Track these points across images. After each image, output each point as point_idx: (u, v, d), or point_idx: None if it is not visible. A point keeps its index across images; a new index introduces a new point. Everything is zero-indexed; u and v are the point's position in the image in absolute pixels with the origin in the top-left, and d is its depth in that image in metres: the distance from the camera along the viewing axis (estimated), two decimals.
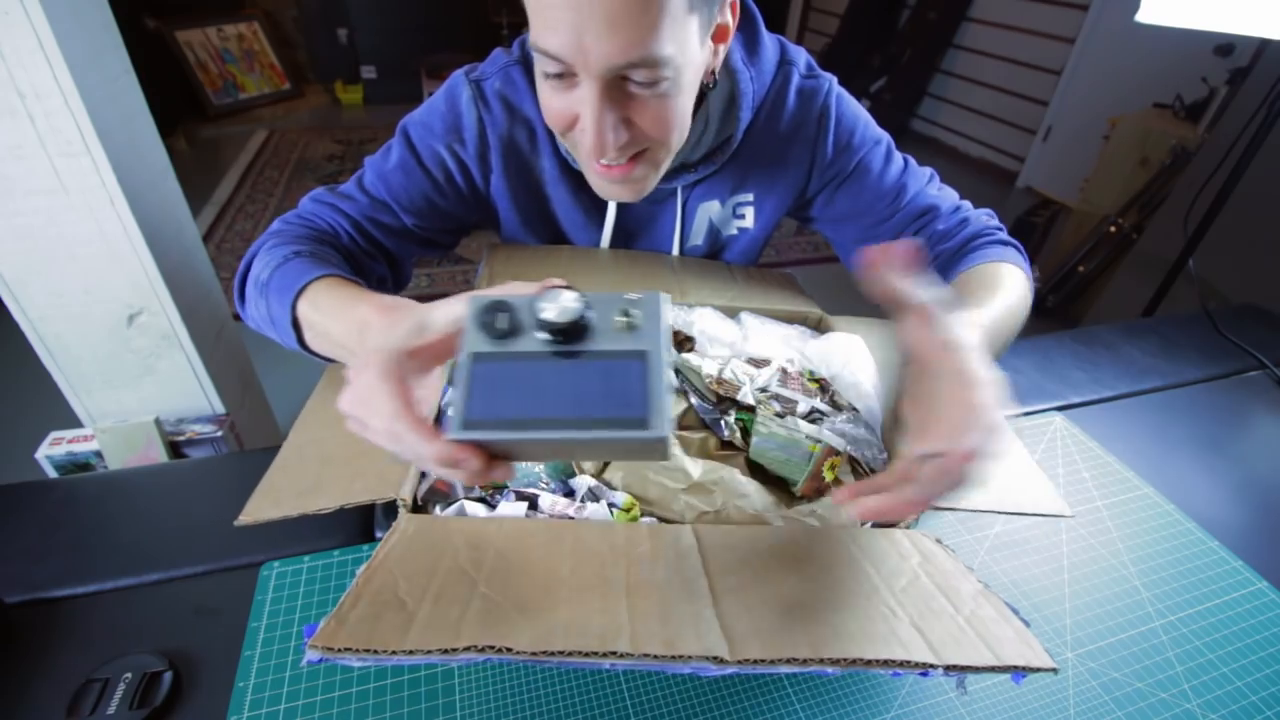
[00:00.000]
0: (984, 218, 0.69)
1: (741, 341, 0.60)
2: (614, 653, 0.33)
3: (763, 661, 0.33)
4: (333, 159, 3.37)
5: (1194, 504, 0.64)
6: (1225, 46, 2.41)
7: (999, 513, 0.47)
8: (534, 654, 0.32)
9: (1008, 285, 0.58)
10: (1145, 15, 1.18)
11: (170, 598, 0.50)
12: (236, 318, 1.24)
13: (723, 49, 0.55)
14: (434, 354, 0.37)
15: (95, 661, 0.44)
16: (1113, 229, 2.36)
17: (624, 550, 0.40)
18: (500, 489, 0.48)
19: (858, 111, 0.68)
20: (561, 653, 0.33)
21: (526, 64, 0.64)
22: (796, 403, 0.53)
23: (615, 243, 0.73)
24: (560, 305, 0.33)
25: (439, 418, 0.52)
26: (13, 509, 0.56)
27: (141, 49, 2.26)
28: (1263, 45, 2.06)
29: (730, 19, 0.54)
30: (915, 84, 3.97)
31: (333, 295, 0.49)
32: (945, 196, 0.69)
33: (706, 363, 0.54)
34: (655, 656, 0.33)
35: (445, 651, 0.32)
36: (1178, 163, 2.22)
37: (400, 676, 0.44)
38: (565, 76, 0.48)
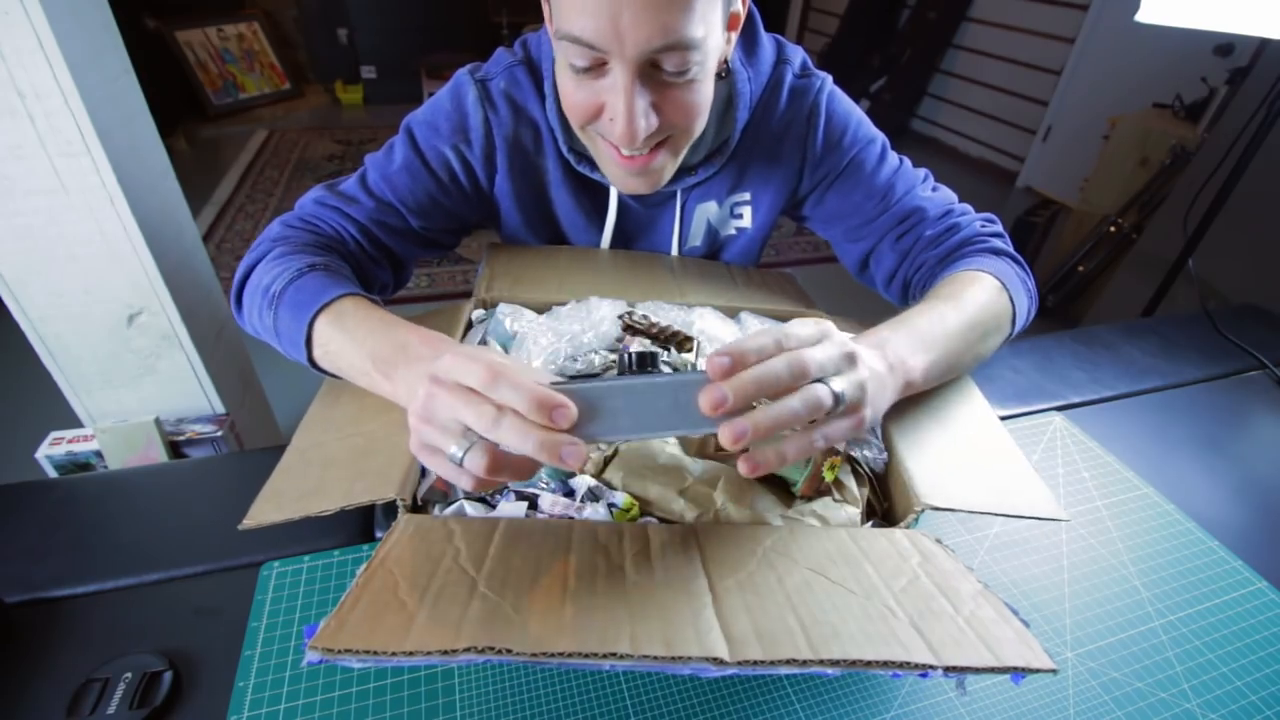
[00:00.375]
0: (979, 224, 0.66)
1: None
2: (614, 654, 0.33)
3: (763, 663, 0.33)
4: (333, 159, 3.37)
5: (1194, 504, 0.64)
6: (1225, 46, 2.41)
7: (995, 514, 0.47)
8: (534, 655, 0.32)
9: (967, 295, 0.56)
10: (1145, 15, 1.18)
11: (170, 598, 0.50)
12: None
13: (734, 37, 0.56)
14: None
15: (95, 661, 0.44)
16: (1113, 229, 2.36)
17: (624, 550, 0.40)
18: (500, 489, 0.48)
19: (850, 110, 0.68)
20: (561, 654, 0.33)
21: (530, 64, 0.64)
22: None
23: (615, 244, 0.73)
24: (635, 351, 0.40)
25: None
26: (13, 509, 0.56)
27: (141, 49, 2.26)
28: (1262, 45, 2.06)
29: (741, 7, 0.54)
30: (915, 84, 3.97)
31: (362, 316, 0.50)
32: (937, 200, 0.67)
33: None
34: (655, 658, 0.33)
35: (445, 652, 0.32)
36: (1177, 163, 2.22)
37: (400, 676, 0.44)
38: (593, 67, 0.48)
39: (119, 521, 0.56)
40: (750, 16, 0.62)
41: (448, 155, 0.65)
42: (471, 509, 0.46)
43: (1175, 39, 2.02)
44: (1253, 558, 0.58)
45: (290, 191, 3.05)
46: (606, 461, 0.49)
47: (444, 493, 0.48)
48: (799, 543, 0.43)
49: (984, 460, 0.52)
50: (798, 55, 0.67)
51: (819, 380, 0.37)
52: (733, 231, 0.74)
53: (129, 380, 1.13)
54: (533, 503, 0.46)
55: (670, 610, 0.36)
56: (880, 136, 0.69)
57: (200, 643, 0.46)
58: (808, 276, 0.79)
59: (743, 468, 0.37)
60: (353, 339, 0.48)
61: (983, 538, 0.58)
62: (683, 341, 0.58)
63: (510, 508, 0.45)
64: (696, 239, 0.73)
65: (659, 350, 0.41)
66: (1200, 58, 2.45)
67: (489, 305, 0.63)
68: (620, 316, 0.59)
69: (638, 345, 0.42)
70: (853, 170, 0.68)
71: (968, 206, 0.69)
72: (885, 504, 0.52)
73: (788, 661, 0.33)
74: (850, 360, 0.40)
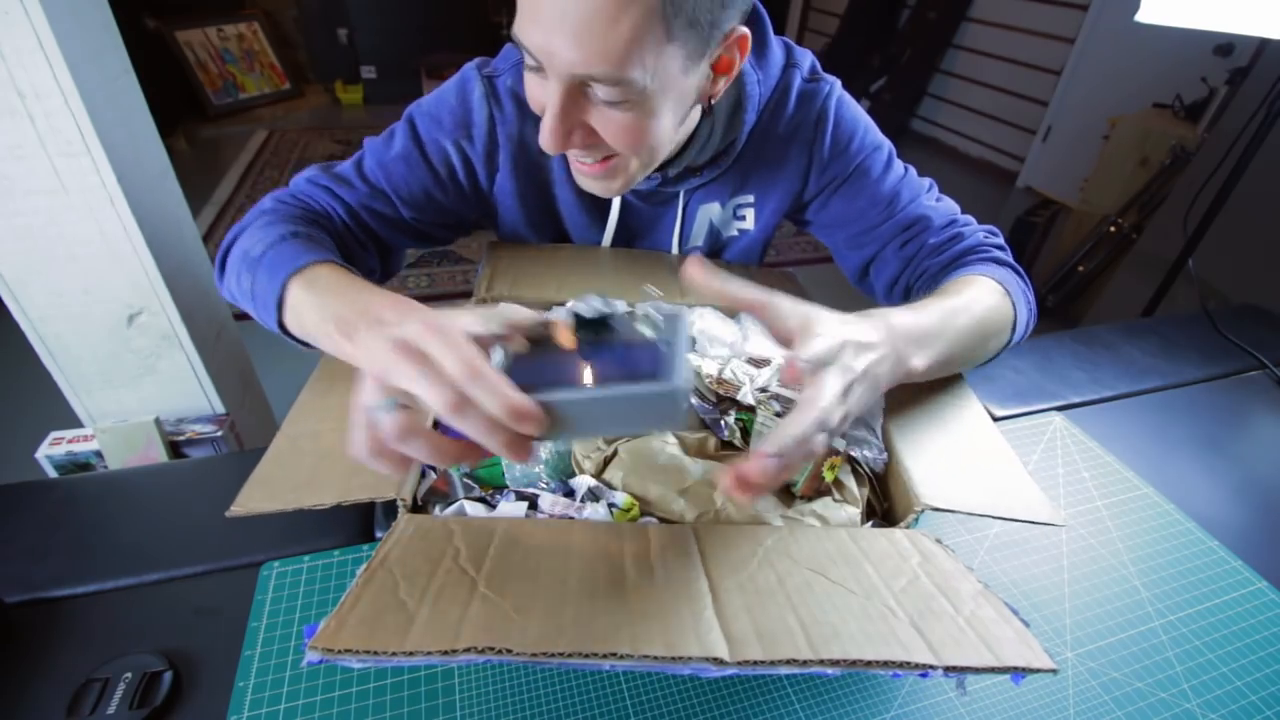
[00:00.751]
0: (982, 234, 0.66)
1: (741, 341, 0.60)
2: (614, 654, 0.33)
3: (763, 663, 0.33)
4: (333, 159, 3.35)
5: (1194, 504, 0.64)
6: (1225, 46, 2.41)
7: (993, 517, 0.47)
8: (534, 655, 0.32)
9: (969, 294, 0.56)
10: (1145, 15, 1.18)
11: (170, 598, 0.50)
12: (237, 317, 1.23)
13: (725, 80, 0.55)
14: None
15: (95, 661, 0.44)
16: (1113, 229, 2.36)
17: (624, 550, 0.40)
18: (500, 489, 0.48)
19: (858, 116, 0.68)
20: (562, 654, 0.33)
21: None
22: (796, 403, 0.53)
23: (616, 243, 0.73)
24: (588, 304, 0.41)
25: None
26: (13, 509, 0.56)
27: (141, 49, 2.25)
28: (1262, 45, 2.06)
29: (738, 54, 0.53)
30: (915, 84, 3.97)
31: (334, 279, 0.49)
32: (941, 209, 0.67)
33: (706, 363, 0.54)
34: (655, 658, 0.33)
35: (445, 652, 0.32)
36: (1177, 163, 2.22)
37: (400, 676, 0.44)
38: (540, 70, 0.49)
39: (119, 521, 0.56)
40: (760, 21, 0.62)
41: (448, 150, 0.64)
42: (471, 509, 0.46)
43: (1175, 39, 2.02)
44: (1253, 558, 0.58)
45: None
46: (606, 461, 0.49)
47: (444, 493, 0.48)
48: (799, 543, 0.43)
49: (982, 463, 0.52)
50: (807, 59, 0.67)
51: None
52: (735, 233, 0.74)
53: (129, 380, 1.13)
54: (533, 503, 0.46)
55: (670, 610, 0.36)
56: (887, 144, 0.69)
57: (200, 643, 0.46)
58: (808, 276, 0.79)
59: (735, 489, 0.37)
60: (320, 301, 0.47)
61: (983, 538, 0.58)
62: None
63: (510, 508, 0.46)
64: (698, 239, 0.73)
65: (614, 309, 0.40)
66: (1200, 58, 2.45)
67: (489, 305, 0.64)
68: None
69: (587, 307, 0.40)
70: (858, 176, 0.68)
71: (970, 218, 0.68)
72: (885, 504, 0.52)
73: (788, 661, 0.33)
74: (859, 373, 0.41)
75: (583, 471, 0.49)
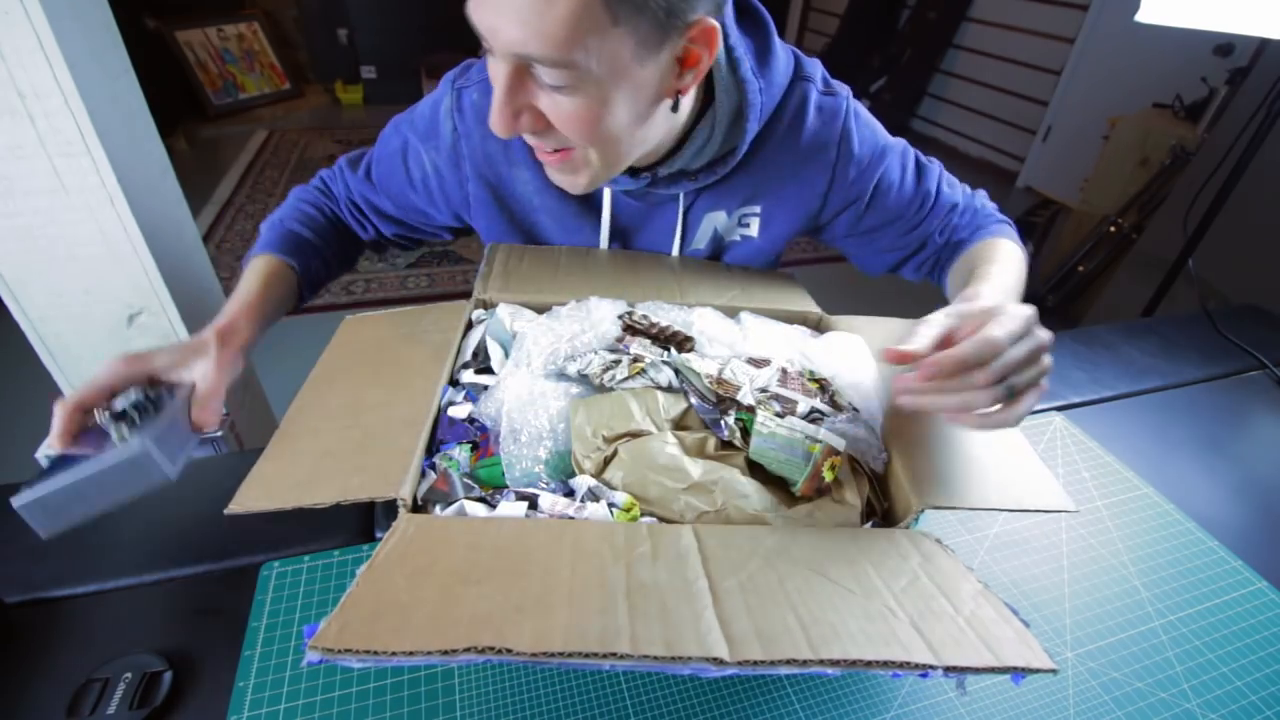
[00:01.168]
0: (982, 199, 0.74)
1: (741, 341, 0.60)
2: (614, 654, 0.33)
3: (763, 663, 0.33)
4: (333, 159, 3.35)
5: (1194, 504, 0.64)
6: (1225, 46, 2.41)
7: (1001, 510, 0.47)
8: (534, 655, 0.32)
9: (1006, 251, 0.66)
10: (1145, 15, 1.18)
11: (170, 598, 0.50)
12: None
13: (693, 74, 0.53)
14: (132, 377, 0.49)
15: (95, 661, 0.44)
16: (1113, 229, 2.36)
17: (624, 550, 0.40)
18: (500, 489, 0.48)
19: (872, 124, 0.69)
20: (561, 654, 0.33)
21: None
22: (796, 403, 0.53)
23: (613, 242, 0.73)
24: (125, 397, 0.47)
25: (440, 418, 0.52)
26: (13, 509, 0.56)
27: (141, 49, 2.25)
28: (1263, 45, 2.06)
29: (706, 49, 0.51)
30: (915, 84, 3.97)
31: (246, 278, 0.62)
32: (957, 189, 0.73)
33: (706, 363, 0.54)
34: (655, 658, 0.33)
35: (445, 652, 0.32)
36: (1178, 163, 2.22)
37: (400, 676, 0.44)
38: (492, 51, 0.49)
39: (119, 521, 0.55)
40: (763, 25, 0.61)
41: (422, 156, 0.69)
42: (471, 509, 0.46)
43: (1175, 39, 2.02)
44: (1253, 558, 0.58)
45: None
46: (606, 461, 0.49)
47: (444, 493, 0.48)
48: (799, 543, 0.43)
49: (987, 454, 0.52)
50: (818, 70, 0.66)
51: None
52: (737, 238, 0.73)
53: None
54: (533, 503, 0.46)
55: (670, 610, 0.36)
56: (897, 143, 0.70)
57: (200, 643, 0.46)
58: (808, 276, 0.79)
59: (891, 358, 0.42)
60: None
61: (983, 538, 0.58)
62: (683, 342, 0.58)
63: (510, 508, 0.45)
64: (700, 244, 0.73)
65: (135, 398, 0.48)
66: (1200, 58, 2.45)
67: (489, 305, 0.63)
68: (620, 316, 0.59)
69: (123, 399, 0.47)
70: (886, 186, 0.70)
71: (966, 186, 0.75)
72: (885, 504, 0.52)
73: (788, 661, 0.33)
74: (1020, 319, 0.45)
75: (583, 471, 0.49)
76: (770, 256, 0.76)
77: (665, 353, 0.56)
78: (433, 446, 0.51)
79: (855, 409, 0.55)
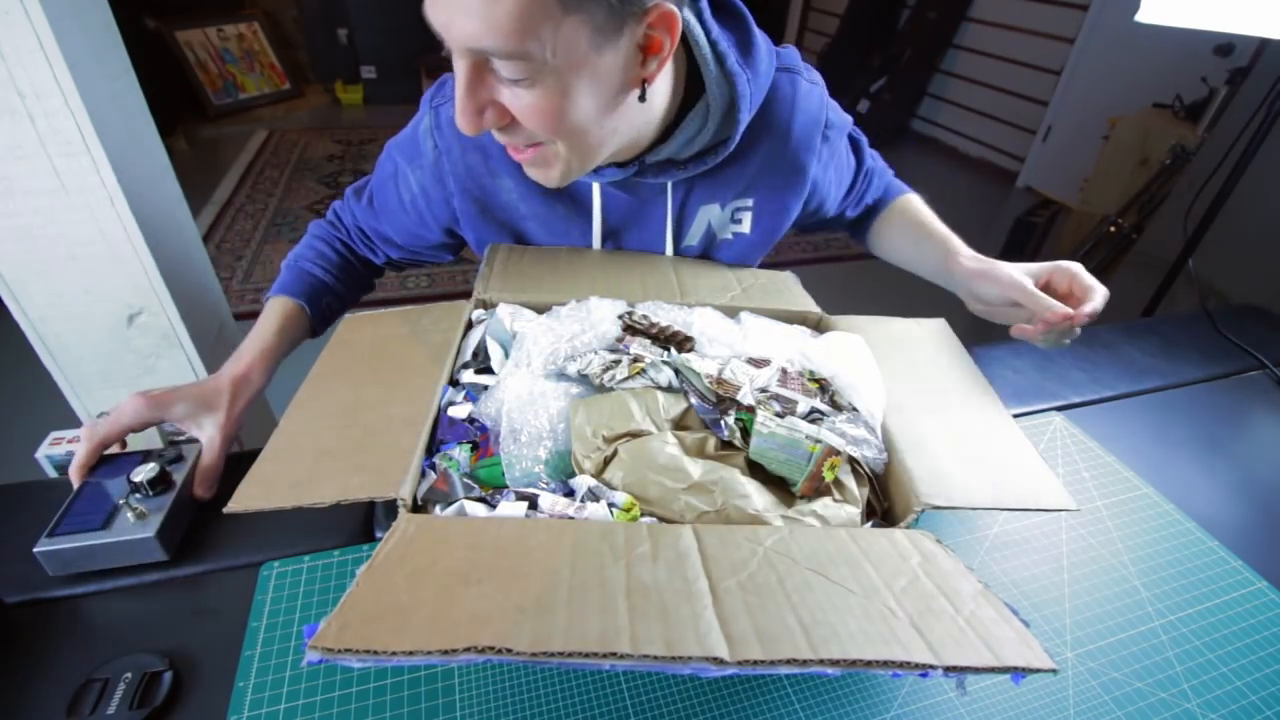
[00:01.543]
0: (879, 156, 0.84)
1: (741, 341, 0.60)
2: (614, 654, 0.33)
3: (763, 662, 0.33)
4: (333, 159, 3.37)
5: (1194, 504, 0.64)
6: (1225, 46, 2.41)
7: (998, 509, 0.47)
8: (534, 654, 0.32)
9: (930, 211, 0.79)
10: (1145, 15, 1.18)
11: (170, 598, 0.50)
12: (237, 317, 1.23)
13: (656, 61, 0.52)
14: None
15: (95, 661, 0.44)
16: (1112, 229, 2.36)
17: (624, 550, 0.40)
18: (500, 489, 0.48)
19: (832, 104, 0.73)
20: (561, 653, 0.33)
21: None
22: (796, 403, 0.53)
23: (606, 239, 0.73)
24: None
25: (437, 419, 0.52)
26: (13, 509, 0.56)
27: (141, 49, 2.26)
28: (1263, 45, 2.06)
29: (668, 36, 0.50)
30: (915, 84, 3.97)
31: (263, 320, 0.68)
32: (864, 141, 0.81)
33: (706, 363, 0.54)
34: (655, 658, 0.33)
35: (445, 652, 0.32)
36: (1177, 163, 2.22)
37: (400, 676, 0.44)
38: (449, 50, 0.49)
39: None
40: (741, 17, 0.62)
41: (409, 177, 0.70)
42: (471, 509, 0.46)
43: (1175, 39, 2.02)
44: (1253, 558, 0.58)
45: (290, 191, 3.05)
46: (606, 461, 0.49)
47: (444, 493, 0.48)
48: (799, 543, 0.43)
49: (988, 453, 0.52)
50: (795, 57, 0.68)
51: None
52: (729, 236, 0.73)
53: (129, 380, 1.13)
54: (533, 503, 0.46)
55: (670, 610, 0.36)
56: (842, 119, 0.75)
57: (200, 643, 0.46)
58: (808, 276, 0.79)
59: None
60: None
61: (983, 538, 0.59)
62: (683, 342, 0.58)
63: (510, 508, 0.45)
64: (694, 239, 0.73)
65: (156, 479, 0.54)
66: (1200, 58, 2.45)
67: (489, 305, 0.63)
68: (620, 316, 0.59)
69: (141, 474, 0.53)
70: (840, 158, 0.77)
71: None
72: (885, 504, 0.52)
73: (788, 661, 0.33)
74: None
75: (583, 471, 0.49)
76: (762, 252, 0.77)
77: (665, 353, 0.56)
78: (433, 446, 0.51)
79: (855, 409, 0.55)
